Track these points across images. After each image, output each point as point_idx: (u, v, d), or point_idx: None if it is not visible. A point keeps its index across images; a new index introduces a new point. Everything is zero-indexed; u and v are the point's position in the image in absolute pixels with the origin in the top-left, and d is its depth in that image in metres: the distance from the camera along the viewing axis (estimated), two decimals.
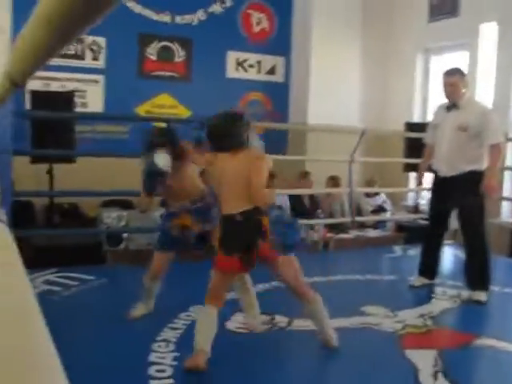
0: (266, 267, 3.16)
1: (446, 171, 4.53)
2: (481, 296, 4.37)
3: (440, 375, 2.98)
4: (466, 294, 4.52)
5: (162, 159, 3.41)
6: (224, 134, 3.09)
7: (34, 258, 4.80)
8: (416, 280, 4.83)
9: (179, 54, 7.44)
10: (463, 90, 4.47)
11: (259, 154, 3.15)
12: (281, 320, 3.75)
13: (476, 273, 4.48)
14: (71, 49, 6.73)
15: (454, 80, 4.45)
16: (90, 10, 0.59)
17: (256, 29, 7.91)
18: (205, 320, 3.03)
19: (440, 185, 4.65)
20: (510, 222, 6.83)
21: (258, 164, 3.03)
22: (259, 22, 7.92)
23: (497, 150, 4.33)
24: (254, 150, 3.14)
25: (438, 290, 4.67)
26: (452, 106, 4.51)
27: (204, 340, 2.95)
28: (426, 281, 4.81)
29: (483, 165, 4.37)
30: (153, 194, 3.65)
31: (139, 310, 3.81)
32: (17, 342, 0.62)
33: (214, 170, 3.16)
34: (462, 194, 4.44)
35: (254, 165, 3.01)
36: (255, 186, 2.94)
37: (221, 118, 3.16)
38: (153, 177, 3.50)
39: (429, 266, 4.82)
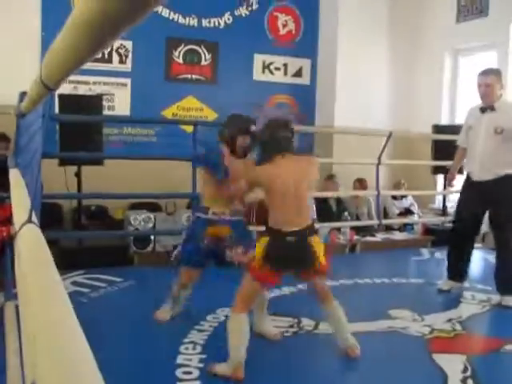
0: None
1: (480, 175, 4.41)
2: (510, 301, 4.30)
3: (469, 381, 2.94)
4: (495, 298, 4.45)
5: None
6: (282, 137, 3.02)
7: (62, 260, 4.86)
8: (444, 283, 4.76)
9: (206, 57, 7.47)
10: (499, 92, 4.32)
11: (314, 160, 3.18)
12: (307, 323, 3.74)
13: (506, 278, 4.38)
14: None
15: (490, 80, 4.29)
16: (128, 14, 0.59)
17: (282, 31, 7.90)
18: (239, 330, 2.96)
19: (472, 188, 4.52)
20: None
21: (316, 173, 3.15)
22: (285, 24, 7.91)
23: None
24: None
25: (467, 294, 4.61)
26: (487, 107, 4.37)
27: (241, 353, 2.92)
28: (454, 284, 4.72)
29: None
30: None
31: (164, 312, 3.76)
32: (55, 344, 0.63)
33: (266, 178, 2.98)
34: (496, 198, 4.33)
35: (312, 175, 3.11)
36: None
37: (275, 123, 3.09)
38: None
39: (457, 269, 4.72)
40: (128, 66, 7.02)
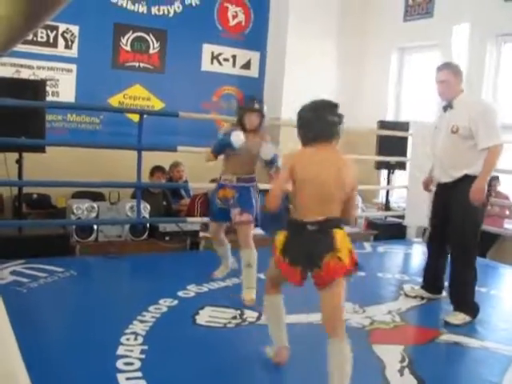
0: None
1: (440, 177, 4.20)
2: (453, 320, 3.92)
3: (406, 370, 3.02)
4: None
5: (237, 138, 3.91)
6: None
7: (2, 249, 4.73)
8: (412, 290, 4.58)
9: (154, 46, 7.37)
10: (457, 87, 4.07)
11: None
12: (250, 315, 3.76)
13: (455, 293, 4.09)
14: (43, 36, 6.62)
15: (444, 76, 4.06)
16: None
17: (232, 22, 7.87)
18: (270, 313, 3.02)
19: (437, 192, 4.31)
20: None
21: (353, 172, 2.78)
22: (235, 15, 7.89)
23: (490, 154, 3.88)
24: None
25: (407, 287, 4.72)
26: (447, 105, 4.12)
27: (279, 334, 3.01)
28: (426, 294, 4.43)
29: (477, 170, 3.93)
30: (217, 156, 4.15)
31: (220, 271, 4.55)
32: None
33: (296, 166, 2.70)
34: (452, 203, 4.04)
35: (351, 171, 2.76)
36: (354, 202, 2.76)
37: (316, 105, 2.87)
38: (223, 147, 4.03)
39: (429, 280, 4.45)
40: (74, 52, 6.85)
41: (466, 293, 4.01)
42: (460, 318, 3.91)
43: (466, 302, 4.00)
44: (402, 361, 3.15)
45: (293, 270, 2.64)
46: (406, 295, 4.49)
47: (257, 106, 4.13)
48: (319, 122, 2.78)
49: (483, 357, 3.39)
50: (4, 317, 0.63)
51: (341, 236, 2.60)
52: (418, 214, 6.77)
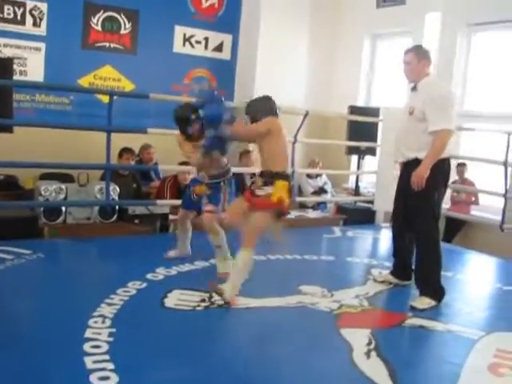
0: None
1: (397, 157, 4.33)
2: (419, 303, 3.97)
3: (373, 353, 3.06)
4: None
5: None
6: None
7: None
8: (379, 275, 4.60)
9: (125, 26, 7.27)
10: (423, 70, 4.07)
11: None
12: (219, 298, 3.76)
13: (421, 276, 4.13)
14: (10, 13, 6.46)
15: (408, 58, 4.11)
16: None
17: (205, 4, 7.79)
18: (249, 263, 3.72)
19: (401, 172, 4.30)
20: (443, 208, 7.04)
21: None
22: None
23: (437, 138, 3.87)
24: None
25: (375, 271, 4.78)
26: (413, 87, 4.15)
27: (239, 282, 3.69)
28: (394, 280, 4.44)
29: None
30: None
31: (174, 252, 4.65)
32: None
33: (276, 130, 3.82)
34: (408, 186, 4.01)
35: None
36: None
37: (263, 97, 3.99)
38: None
39: (398, 266, 4.46)
40: (42, 30, 6.71)
41: (430, 278, 4.04)
42: (425, 302, 3.95)
43: (432, 286, 4.03)
44: (369, 344, 3.19)
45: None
46: (375, 280, 4.53)
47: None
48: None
49: (448, 340, 3.46)
50: None
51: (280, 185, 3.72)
52: (387, 199, 6.82)
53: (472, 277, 5.16)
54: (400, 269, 4.43)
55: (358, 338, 3.26)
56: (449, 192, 7.10)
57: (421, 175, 3.89)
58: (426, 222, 4.01)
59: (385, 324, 3.70)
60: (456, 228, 7.01)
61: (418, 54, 4.08)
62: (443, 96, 4.01)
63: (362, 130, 7.11)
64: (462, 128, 6.91)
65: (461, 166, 7.05)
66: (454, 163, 7.07)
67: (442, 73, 7.01)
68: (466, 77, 7.19)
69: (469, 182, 7.08)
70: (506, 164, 6.25)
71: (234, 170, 6.48)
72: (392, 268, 4.52)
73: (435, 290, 4.03)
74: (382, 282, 4.47)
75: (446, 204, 7.09)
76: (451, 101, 4.05)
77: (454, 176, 7.06)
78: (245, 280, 3.73)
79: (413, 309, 3.90)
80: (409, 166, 4.05)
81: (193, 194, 4.44)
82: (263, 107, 3.90)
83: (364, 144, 7.15)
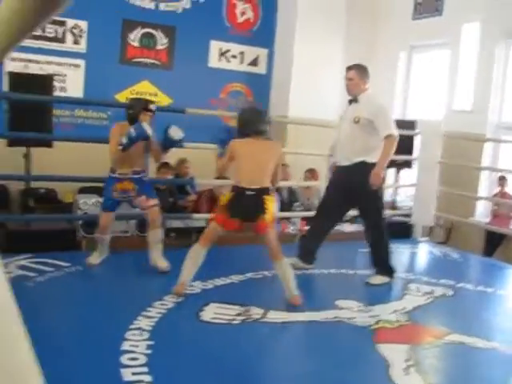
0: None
1: (341, 161, 4.74)
2: (375, 280, 4.70)
3: (412, 370, 3.01)
4: (438, 290, 4.57)
5: (178, 131, 4.56)
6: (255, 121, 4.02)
7: (9, 243, 4.74)
8: (292, 260, 4.74)
9: (162, 42, 7.38)
10: (363, 86, 4.64)
11: (279, 146, 4.29)
12: (256, 312, 3.75)
13: (377, 259, 4.77)
14: (52, 31, 6.63)
15: (351, 75, 4.65)
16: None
17: (240, 19, 7.86)
18: (195, 257, 3.89)
19: (335, 174, 4.86)
20: (483, 221, 6.91)
21: (281, 155, 4.20)
22: (244, 12, 7.88)
23: (387, 143, 4.48)
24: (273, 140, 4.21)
25: (412, 286, 4.71)
26: (352, 99, 4.70)
27: (189, 274, 3.92)
28: (302, 265, 4.89)
29: (375, 157, 4.50)
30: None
31: (94, 257, 4.64)
32: None
33: (240, 151, 3.94)
34: (351, 184, 4.59)
35: (279, 154, 4.10)
36: (279, 173, 4.12)
37: (252, 110, 4.27)
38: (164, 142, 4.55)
39: (309, 252, 4.95)
40: (82, 47, 6.87)
41: (382, 258, 4.74)
42: (379, 279, 4.70)
43: (384, 266, 4.74)
44: (408, 360, 3.14)
45: (232, 221, 3.89)
46: (294, 267, 4.59)
47: (152, 107, 4.66)
48: (249, 123, 4.03)
49: (489, 357, 3.37)
50: (15, 312, 0.63)
51: (269, 200, 3.91)
52: (425, 212, 6.76)
53: None
54: (306, 253, 4.94)
55: (396, 354, 3.21)
56: (489, 205, 6.99)
57: (378, 175, 4.49)
58: (377, 215, 4.72)
59: (423, 340, 3.64)
60: (497, 242, 6.86)
61: (360, 72, 4.67)
62: (384, 107, 4.72)
63: (398, 143, 7.03)
64: (501, 140, 6.79)
65: (501, 180, 6.92)
66: (494, 176, 6.97)
67: (481, 84, 6.91)
68: (504, 87, 7.06)
69: (509, 195, 6.93)
70: None
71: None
72: (300, 252, 4.94)
73: (387, 269, 4.74)
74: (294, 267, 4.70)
75: (486, 218, 6.97)
76: (389, 110, 4.81)
77: (494, 189, 6.95)
78: None
79: (368, 285, 4.65)
80: (352, 168, 4.62)
81: (115, 193, 4.51)
82: (240, 126, 4.10)
83: (401, 157, 7.07)
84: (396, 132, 4.55)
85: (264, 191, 3.88)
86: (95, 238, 4.72)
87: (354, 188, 4.62)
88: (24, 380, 0.49)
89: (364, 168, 4.52)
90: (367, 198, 4.62)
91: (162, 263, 4.55)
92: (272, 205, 3.96)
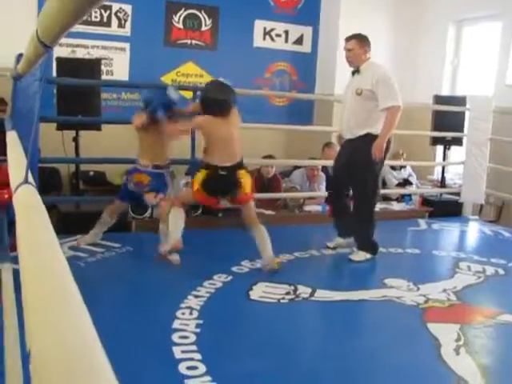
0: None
1: (345, 134, 4.66)
2: (356, 257, 4.60)
3: (462, 350, 2.97)
4: (490, 269, 4.48)
5: (174, 92, 4.57)
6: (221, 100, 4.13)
7: (60, 225, 4.86)
8: (331, 242, 4.92)
9: (206, 23, 7.37)
10: (363, 55, 4.55)
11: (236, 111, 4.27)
12: (304, 291, 3.76)
13: (360, 235, 4.68)
14: (97, 16, 6.70)
15: (350, 45, 4.55)
16: None
17: None
18: (178, 217, 4.16)
19: (343, 146, 4.82)
20: None
21: (238, 116, 4.28)
22: None
23: (389, 114, 4.37)
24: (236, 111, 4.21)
25: (463, 265, 4.63)
26: (355, 71, 4.61)
27: (179, 232, 4.14)
28: (342, 240, 4.88)
29: (379, 129, 4.40)
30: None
31: (89, 237, 4.62)
32: (53, 310, 0.62)
33: (209, 128, 4.07)
34: (353, 156, 4.51)
35: (238, 118, 4.23)
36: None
37: (217, 87, 4.24)
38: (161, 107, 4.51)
39: (341, 227, 4.88)
40: (127, 31, 6.92)
41: (365, 234, 4.63)
42: (361, 255, 4.60)
43: (366, 241, 4.64)
44: (458, 340, 3.09)
45: (210, 198, 4.18)
46: (328, 247, 4.86)
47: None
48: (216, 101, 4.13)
49: None
50: (79, 298, 0.65)
51: (244, 175, 4.09)
52: (475, 190, 6.62)
53: None
54: (343, 227, 4.85)
55: (447, 334, 3.17)
56: None
57: (380, 147, 4.36)
58: (369, 186, 4.54)
59: (474, 320, 3.57)
60: None
61: (360, 42, 4.55)
62: (386, 75, 4.50)
63: (447, 119, 6.88)
64: None
65: None
66: None
67: None
68: None
69: None
70: None
71: (318, 162, 6.48)
72: (337, 231, 4.90)
73: (370, 245, 4.64)
74: (334, 247, 4.86)
75: None
76: (393, 79, 4.50)
77: None
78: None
79: (351, 261, 4.54)
80: (356, 141, 4.51)
81: (132, 184, 4.49)
82: (208, 101, 4.19)
83: (450, 134, 6.92)
84: (399, 102, 4.42)
85: (237, 167, 4.06)
86: (99, 219, 4.68)
87: (355, 160, 4.52)
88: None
89: (368, 140, 4.42)
90: (364, 168, 4.50)
91: (172, 257, 4.40)
92: (247, 176, 4.13)
